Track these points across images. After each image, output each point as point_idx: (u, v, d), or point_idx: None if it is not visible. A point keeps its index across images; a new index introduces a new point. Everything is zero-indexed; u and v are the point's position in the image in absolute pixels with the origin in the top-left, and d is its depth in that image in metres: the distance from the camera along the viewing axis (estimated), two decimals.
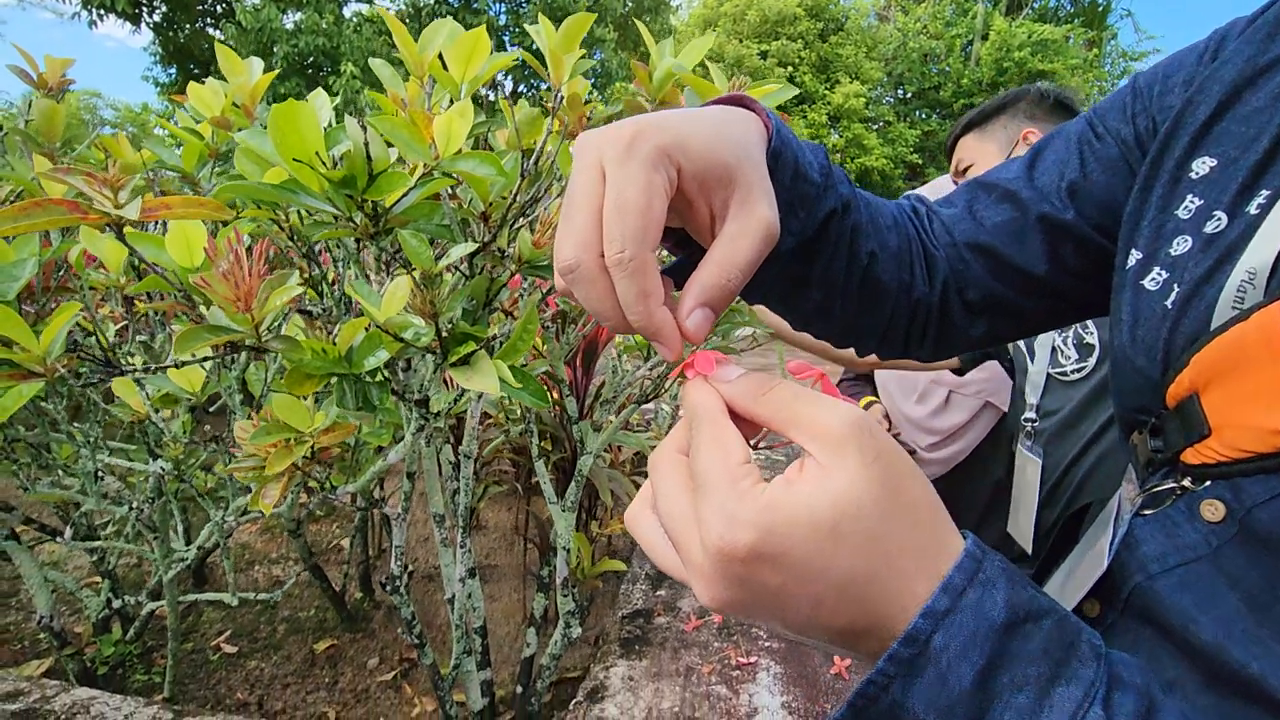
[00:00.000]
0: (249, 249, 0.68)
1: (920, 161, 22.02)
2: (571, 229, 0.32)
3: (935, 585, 0.26)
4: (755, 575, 0.26)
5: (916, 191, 1.60)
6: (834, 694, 1.61)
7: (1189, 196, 0.42)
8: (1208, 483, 0.37)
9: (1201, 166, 0.42)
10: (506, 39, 15.77)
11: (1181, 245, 0.41)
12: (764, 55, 21.18)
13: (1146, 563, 0.39)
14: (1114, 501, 0.48)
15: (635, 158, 0.31)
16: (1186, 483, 0.39)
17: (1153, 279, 0.42)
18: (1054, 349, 1.23)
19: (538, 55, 0.84)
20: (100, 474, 1.33)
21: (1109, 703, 0.25)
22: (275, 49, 13.26)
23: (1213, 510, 0.36)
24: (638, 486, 2.17)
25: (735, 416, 0.31)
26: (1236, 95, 0.42)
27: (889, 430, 1.65)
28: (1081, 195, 0.52)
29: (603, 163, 0.32)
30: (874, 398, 1.79)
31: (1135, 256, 0.44)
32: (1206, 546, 0.36)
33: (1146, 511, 0.41)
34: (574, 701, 1.56)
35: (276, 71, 1.07)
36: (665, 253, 0.44)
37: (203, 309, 0.79)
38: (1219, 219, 0.39)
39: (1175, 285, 0.40)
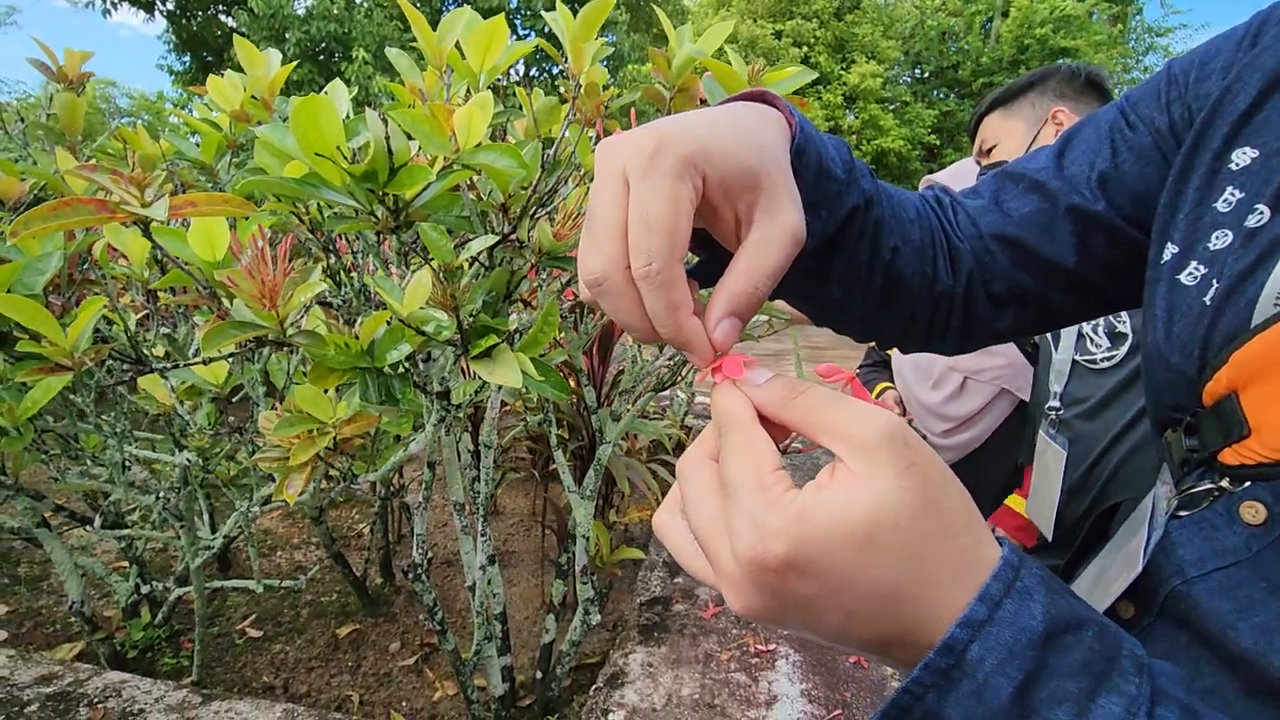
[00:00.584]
0: (271, 242, 0.69)
1: (938, 143, 21.70)
2: (596, 242, 0.32)
3: (972, 595, 0.26)
4: (786, 585, 0.26)
5: (937, 178, 1.57)
6: (853, 682, 1.62)
7: (1228, 189, 0.40)
8: (1247, 484, 0.37)
9: (1242, 158, 0.40)
10: (518, 22, 15.67)
11: (1221, 239, 0.40)
12: (778, 35, 20.90)
13: (1184, 566, 0.38)
14: (1148, 501, 0.47)
15: (659, 169, 0.31)
16: (1225, 484, 0.38)
17: (1190, 274, 0.41)
18: (1082, 336, 1.21)
19: (551, 39, 0.83)
20: (127, 464, 1.36)
21: (1153, 718, 0.24)
22: (287, 35, 13.25)
23: (1253, 513, 0.36)
24: (655, 475, 2.18)
25: (764, 420, 0.31)
26: (1278, 83, 0.41)
27: (903, 416, 1.64)
28: (1113, 186, 0.51)
29: (626, 173, 0.31)
30: (889, 383, 1.78)
31: (1171, 250, 0.43)
32: (1246, 550, 0.35)
33: (1183, 513, 0.40)
34: (594, 687, 1.57)
35: (293, 65, 1.07)
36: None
37: (226, 303, 0.80)
38: (1261, 213, 0.38)
39: (1214, 281, 0.39)
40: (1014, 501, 1.48)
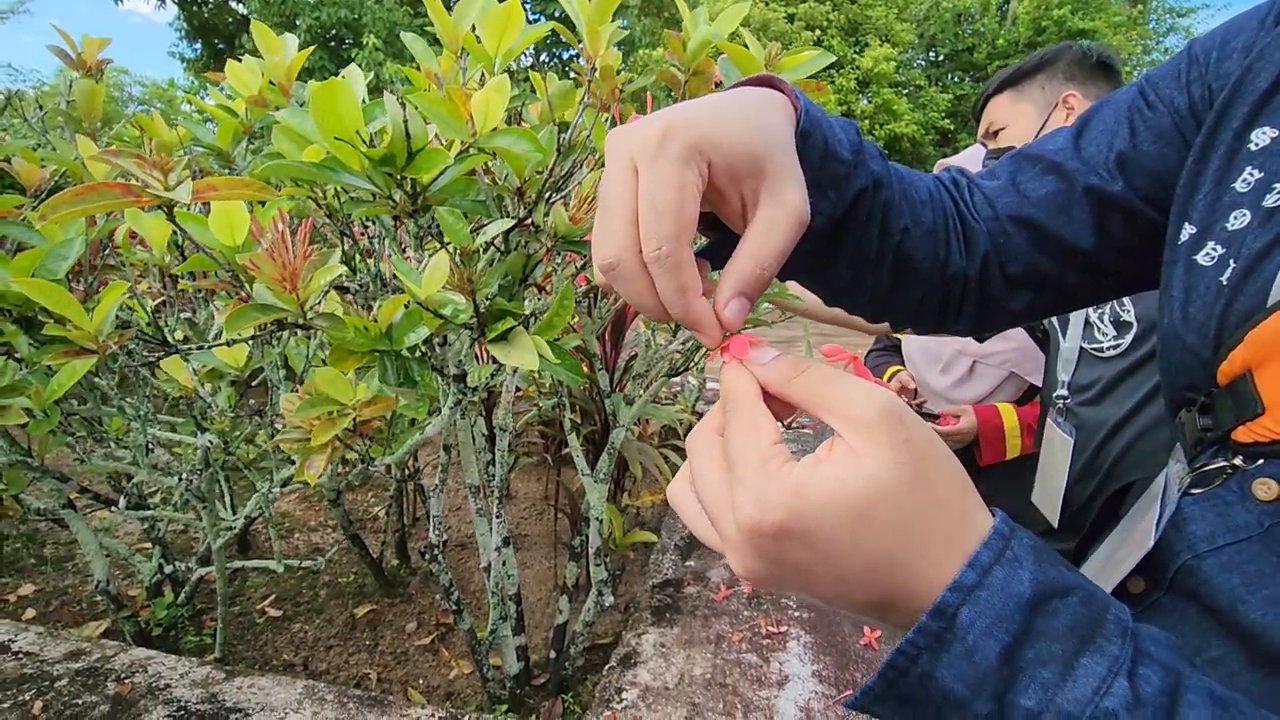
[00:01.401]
0: (292, 229, 0.69)
1: (952, 127, 21.38)
2: (609, 228, 0.33)
3: (963, 562, 0.27)
4: (784, 551, 0.28)
5: (952, 162, 1.54)
6: (864, 662, 1.63)
7: (1248, 169, 0.40)
8: (1260, 461, 0.37)
9: (1261, 137, 0.40)
10: (528, 6, 15.58)
11: (1239, 219, 0.40)
12: (790, 19, 20.61)
13: (1195, 542, 0.39)
14: (1160, 479, 0.48)
15: (666, 155, 0.32)
16: (1238, 461, 0.38)
17: (1207, 254, 0.41)
18: (1089, 324, 1.20)
19: (564, 22, 0.83)
20: (150, 446, 1.38)
21: (1134, 676, 0.25)
22: (298, 21, 13.26)
23: (1265, 489, 0.36)
24: (666, 459, 2.19)
25: (769, 396, 0.32)
26: None
27: (915, 400, 1.64)
28: (1131, 166, 0.51)
29: (635, 160, 0.33)
30: (900, 366, 1.77)
31: (1189, 231, 0.43)
32: (1258, 526, 0.36)
33: (1196, 491, 0.40)
34: (607, 667, 1.60)
35: (311, 50, 1.08)
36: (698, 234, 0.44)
37: (247, 287, 0.81)
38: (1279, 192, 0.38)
39: (1231, 261, 0.39)
40: (1005, 409, 1.49)
